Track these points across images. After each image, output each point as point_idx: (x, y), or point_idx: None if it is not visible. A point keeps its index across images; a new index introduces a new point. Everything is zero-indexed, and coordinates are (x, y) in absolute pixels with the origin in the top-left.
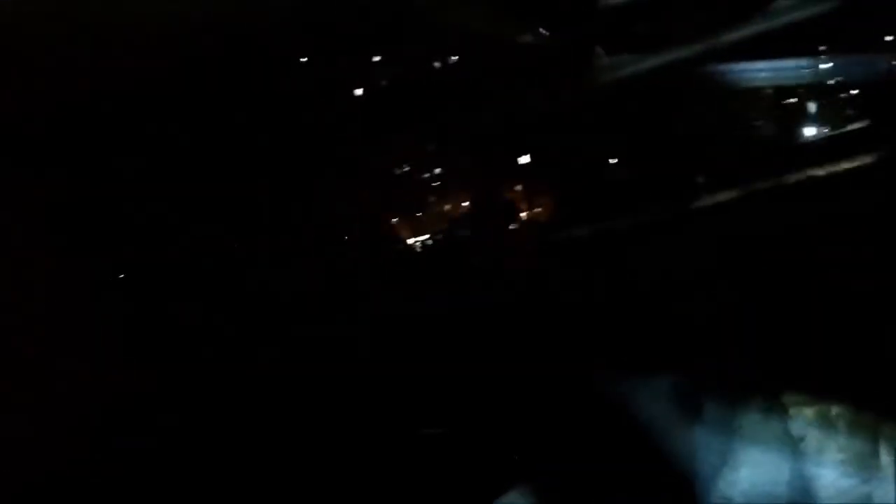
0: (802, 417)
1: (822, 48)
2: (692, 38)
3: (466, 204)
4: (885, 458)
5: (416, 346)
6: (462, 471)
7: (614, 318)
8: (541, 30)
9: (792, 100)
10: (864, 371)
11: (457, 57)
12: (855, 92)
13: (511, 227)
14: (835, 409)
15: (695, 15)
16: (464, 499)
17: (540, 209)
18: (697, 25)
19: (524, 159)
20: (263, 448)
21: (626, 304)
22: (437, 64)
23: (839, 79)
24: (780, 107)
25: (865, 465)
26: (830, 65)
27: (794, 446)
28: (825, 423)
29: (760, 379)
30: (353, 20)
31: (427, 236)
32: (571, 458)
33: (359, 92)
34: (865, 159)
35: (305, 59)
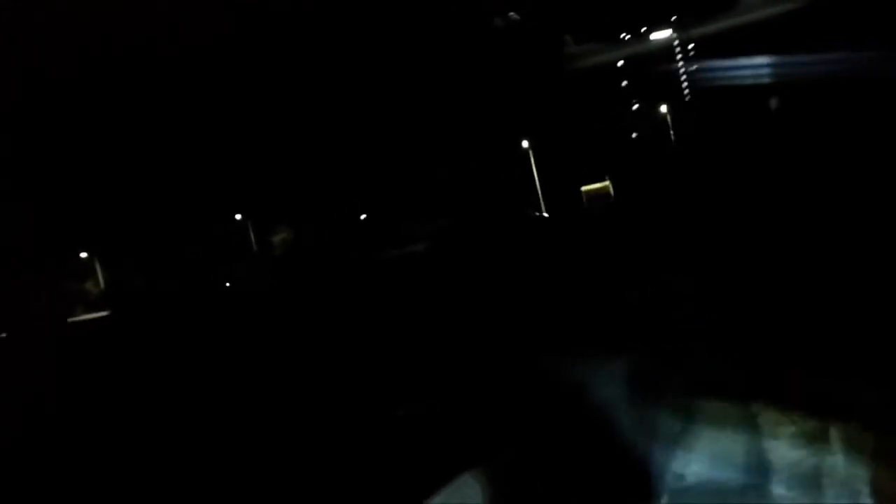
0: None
1: (788, 45)
2: (659, 30)
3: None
4: (834, 432)
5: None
6: (418, 452)
7: (573, 301)
8: (511, 14)
9: (757, 94)
10: (819, 353)
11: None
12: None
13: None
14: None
15: (663, 9)
16: (420, 480)
17: (507, 192)
18: (666, 19)
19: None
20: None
21: (584, 288)
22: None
23: (805, 75)
24: (744, 101)
25: (817, 438)
26: (795, 61)
27: (749, 423)
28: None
29: (718, 362)
30: None
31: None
32: (526, 438)
33: None
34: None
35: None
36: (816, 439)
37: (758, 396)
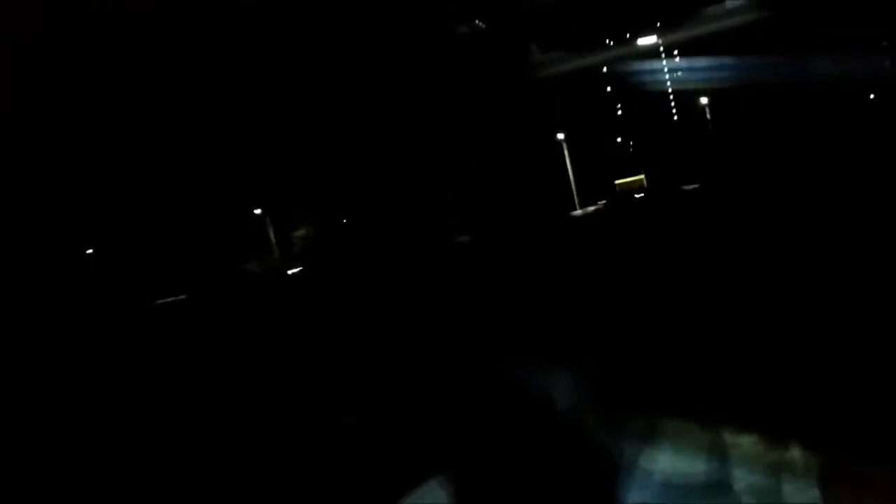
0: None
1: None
2: (623, 39)
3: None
4: (795, 452)
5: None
6: (380, 462)
7: (538, 315)
8: (477, 22)
9: (717, 99)
10: (778, 377)
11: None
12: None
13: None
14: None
15: (626, 17)
16: (381, 490)
17: (469, 202)
18: (629, 27)
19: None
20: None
21: (552, 303)
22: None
23: (762, 81)
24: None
25: (776, 458)
26: (754, 68)
27: (710, 438)
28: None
29: (677, 375)
30: None
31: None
32: (491, 444)
33: None
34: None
35: None
36: (776, 457)
37: (722, 409)
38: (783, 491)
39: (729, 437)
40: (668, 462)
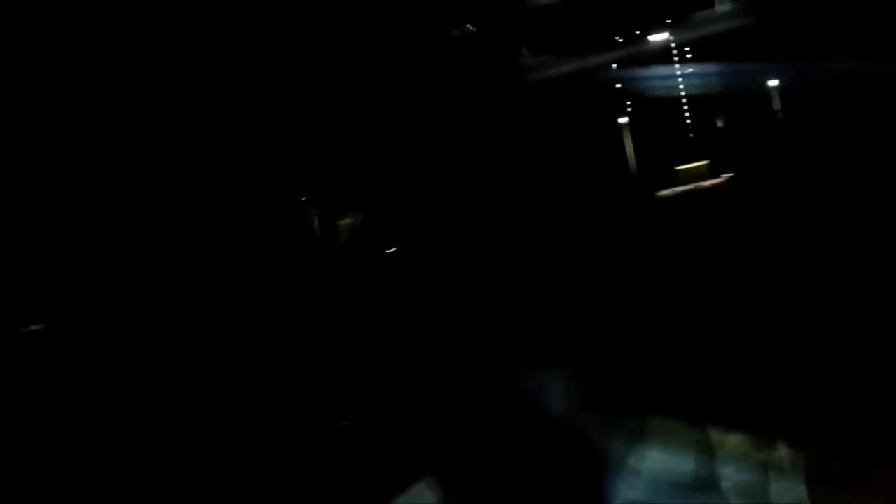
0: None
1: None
2: (613, 43)
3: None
4: (783, 451)
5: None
6: (371, 463)
7: (528, 314)
8: (468, 26)
9: (703, 105)
10: (766, 375)
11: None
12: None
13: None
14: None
15: (616, 22)
16: (372, 491)
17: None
18: (618, 32)
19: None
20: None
21: (543, 302)
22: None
23: (748, 86)
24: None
25: (764, 457)
26: (741, 73)
27: (698, 437)
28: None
29: (665, 374)
30: None
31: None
32: (480, 445)
33: None
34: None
35: None
36: (763, 456)
37: (710, 408)
38: (771, 490)
39: (716, 436)
40: (656, 460)
